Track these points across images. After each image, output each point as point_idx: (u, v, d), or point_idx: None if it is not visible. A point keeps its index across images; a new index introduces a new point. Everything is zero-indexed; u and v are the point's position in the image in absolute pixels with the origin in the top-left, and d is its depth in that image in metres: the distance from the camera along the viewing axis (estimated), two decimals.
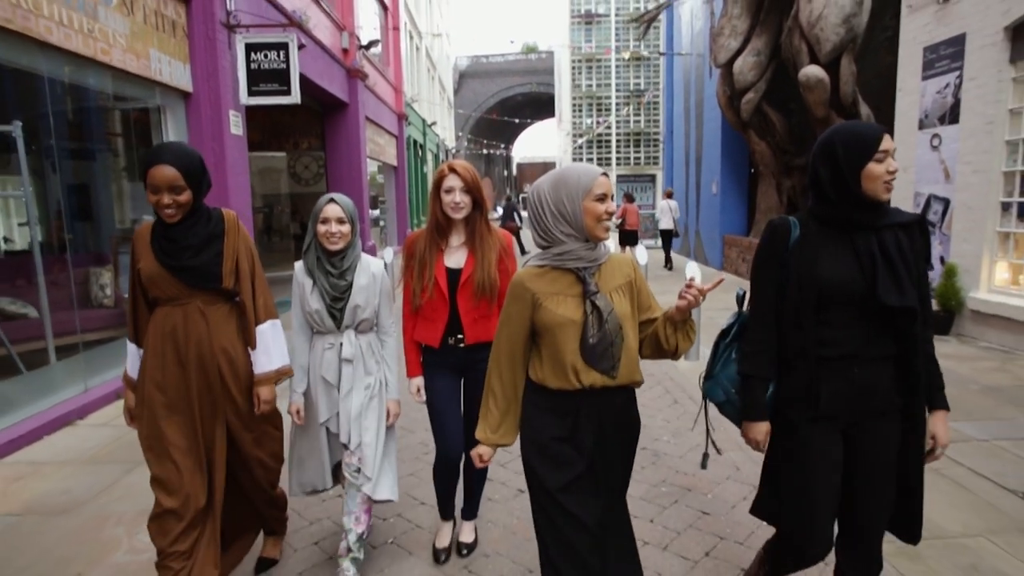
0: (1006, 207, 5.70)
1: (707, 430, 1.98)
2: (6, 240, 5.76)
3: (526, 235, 16.19)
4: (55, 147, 4.86)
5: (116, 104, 5.75)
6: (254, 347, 2.20)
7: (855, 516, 1.75)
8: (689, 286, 1.60)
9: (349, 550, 2.34)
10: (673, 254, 13.97)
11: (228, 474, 2.23)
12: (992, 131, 5.65)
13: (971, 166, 5.92)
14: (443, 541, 2.60)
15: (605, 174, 1.67)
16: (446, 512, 2.64)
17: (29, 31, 4.02)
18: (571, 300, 1.65)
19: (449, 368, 2.41)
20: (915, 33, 6.67)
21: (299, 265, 2.36)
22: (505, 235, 2.42)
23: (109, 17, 4.91)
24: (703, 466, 2.02)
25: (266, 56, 6.75)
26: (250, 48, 6.68)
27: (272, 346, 2.22)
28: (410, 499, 3.10)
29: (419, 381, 2.44)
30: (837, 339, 1.67)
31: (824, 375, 1.68)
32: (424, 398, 2.44)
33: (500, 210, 15.66)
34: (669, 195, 13.51)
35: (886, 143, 1.62)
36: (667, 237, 12.99)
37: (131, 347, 2.19)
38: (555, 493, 1.66)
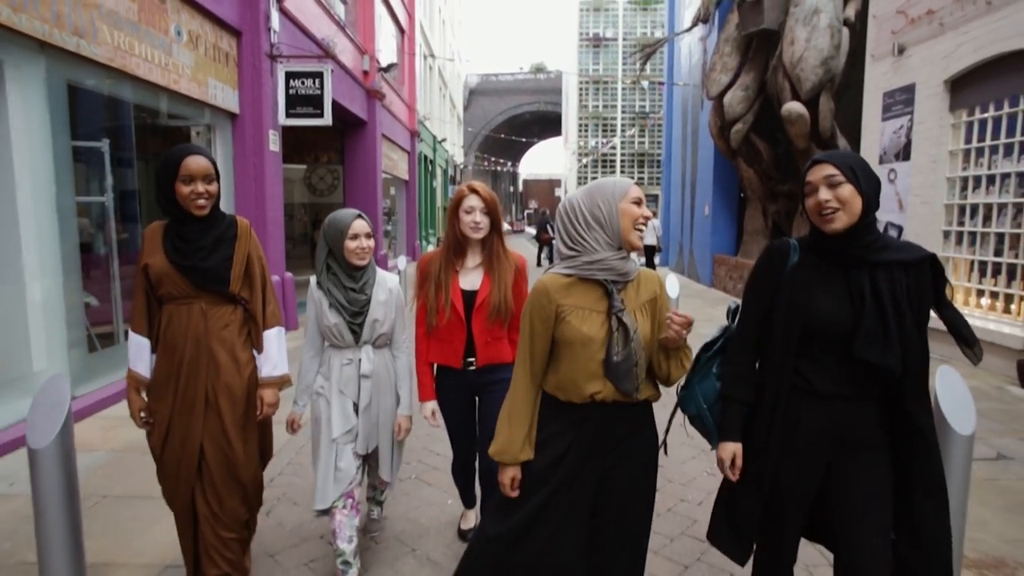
0: (947, 235, 6.52)
1: (668, 427, 1.95)
2: None
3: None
4: (134, 159, 5.73)
5: (175, 123, 6.64)
6: (261, 351, 2.23)
7: (855, 555, 1.60)
8: (671, 320, 1.59)
9: (373, 497, 2.74)
10: (671, 273, 14.88)
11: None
12: (936, 169, 6.48)
13: (920, 198, 6.75)
14: (468, 524, 2.83)
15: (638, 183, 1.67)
16: (468, 501, 2.81)
17: (125, 68, 4.91)
18: (596, 316, 1.61)
19: (462, 389, 2.41)
20: (877, 80, 7.54)
21: (313, 282, 2.34)
22: (519, 258, 2.40)
23: (180, 52, 5.80)
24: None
25: (303, 83, 7.65)
26: (290, 76, 7.58)
27: (276, 353, 2.25)
28: (427, 451, 3.90)
29: (432, 405, 2.43)
30: (820, 376, 1.61)
31: (805, 408, 1.63)
32: (439, 422, 2.44)
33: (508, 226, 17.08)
34: (652, 215, 14.97)
35: (812, 175, 1.60)
36: (650, 252, 14.51)
37: (135, 338, 2.13)
38: (533, 483, 1.67)
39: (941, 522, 1.58)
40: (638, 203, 1.65)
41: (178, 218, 2.08)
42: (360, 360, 2.34)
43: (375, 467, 2.58)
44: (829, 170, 1.56)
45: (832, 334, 1.57)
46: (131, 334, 2.14)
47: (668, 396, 1.86)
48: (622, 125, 42.50)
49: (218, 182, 2.12)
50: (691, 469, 3.65)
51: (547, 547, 1.65)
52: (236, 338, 2.17)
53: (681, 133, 16.68)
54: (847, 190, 1.55)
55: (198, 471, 2.17)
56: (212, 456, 2.15)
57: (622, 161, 42.91)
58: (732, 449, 1.71)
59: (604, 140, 42.70)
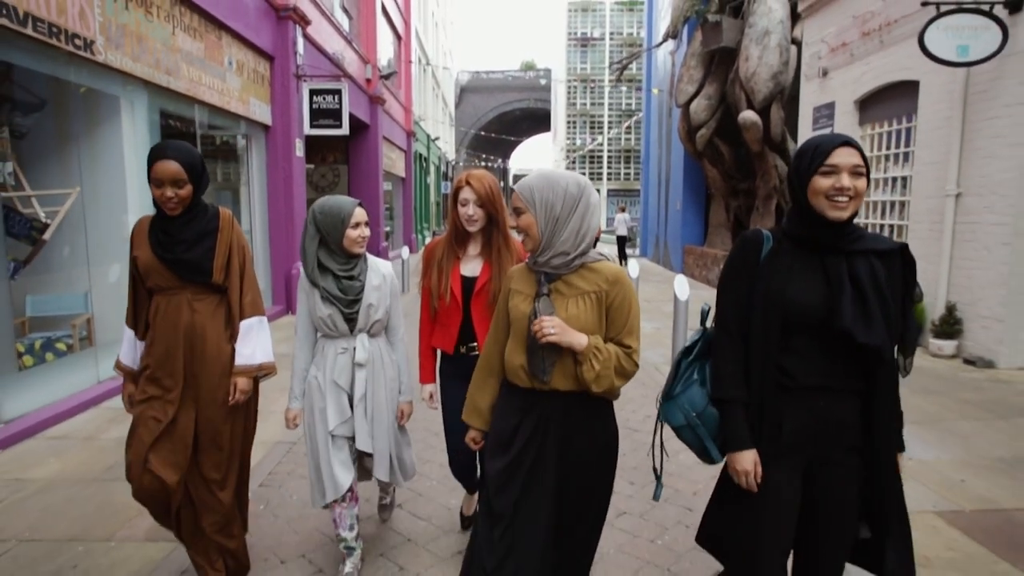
0: None
1: (658, 457, 1.78)
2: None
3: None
4: None
5: (225, 134, 7.95)
6: (234, 340, 2.24)
7: (815, 557, 1.64)
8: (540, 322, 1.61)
9: (386, 504, 2.81)
10: (633, 259, 16.38)
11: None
12: None
13: None
14: (471, 509, 2.79)
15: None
16: (471, 486, 2.71)
17: (196, 95, 6.24)
18: (529, 300, 1.70)
19: (461, 377, 2.30)
20: (808, 96, 8.96)
21: (304, 274, 2.30)
22: (521, 248, 2.25)
23: (230, 78, 7.11)
24: (655, 497, 1.83)
25: (324, 98, 8.97)
26: (313, 92, 8.89)
27: (256, 341, 2.25)
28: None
29: (432, 387, 2.46)
30: (802, 368, 1.56)
31: (787, 406, 1.57)
32: (436, 405, 2.46)
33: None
34: (623, 209, 17.36)
35: (838, 157, 1.48)
36: (622, 242, 16.72)
37: (128, 333, 2.26)
38: (490, 478, 1.74)
39: (905, 535, 1.61)
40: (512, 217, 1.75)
41: (161, 212, 2.14)
42: (354, 349, 2.31)
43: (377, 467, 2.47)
44: (858, 159, 1.50)
45: (811, 321, 1.53)
46: (125, 328, 2.28)
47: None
48: (609, 122, 43.78)
49: (194, 182, 2.11)
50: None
51: (512, 542, 1.68)
52: (221, 328, 2.24)
53: (657, 134, 18.08)
54: (863, 184, 1.51)
55: (192, 462, 2.21)
56: (201, 444, 2.21)
57: (609, 157, 44.26)
58: (751, 458, 1.59)
59: (591, 137, 44.00)
